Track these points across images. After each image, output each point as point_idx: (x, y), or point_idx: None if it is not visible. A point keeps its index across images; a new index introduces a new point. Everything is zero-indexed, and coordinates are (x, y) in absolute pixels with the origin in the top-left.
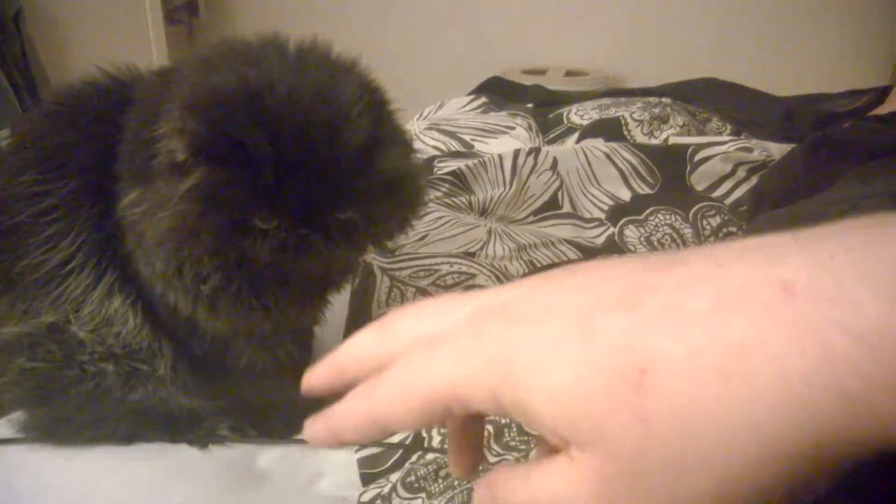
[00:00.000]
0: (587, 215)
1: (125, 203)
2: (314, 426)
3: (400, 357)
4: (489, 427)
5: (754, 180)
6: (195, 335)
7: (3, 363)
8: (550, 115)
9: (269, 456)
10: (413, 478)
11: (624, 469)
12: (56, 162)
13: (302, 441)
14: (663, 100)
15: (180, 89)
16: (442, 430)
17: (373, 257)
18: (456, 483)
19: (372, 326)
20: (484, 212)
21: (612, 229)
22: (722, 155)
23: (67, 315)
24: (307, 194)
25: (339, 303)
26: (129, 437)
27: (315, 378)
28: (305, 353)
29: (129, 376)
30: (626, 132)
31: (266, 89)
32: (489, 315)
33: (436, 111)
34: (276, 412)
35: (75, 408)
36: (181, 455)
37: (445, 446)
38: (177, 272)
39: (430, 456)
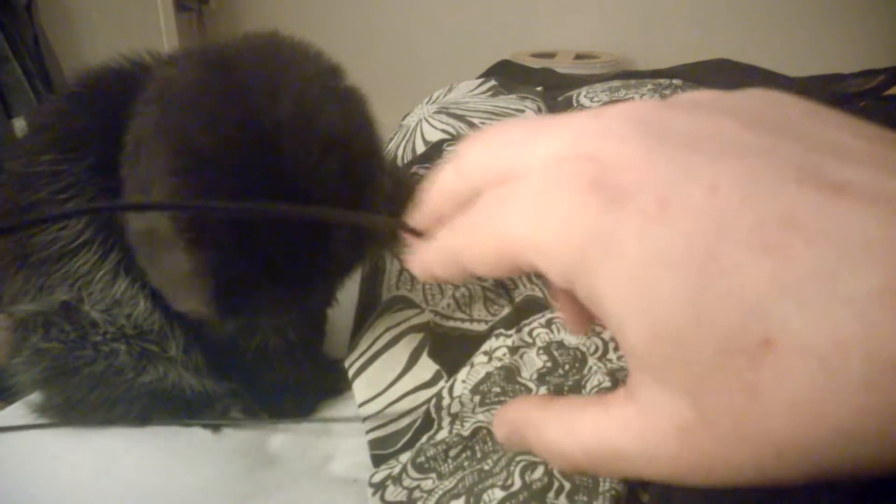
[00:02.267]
0: None
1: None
2: (411, 263)
3: (478, 197)
4: (499, 407)
5: None
6: (202, 322)
7: (18, 342)
8: (560, 98)
9: (281, 438)
10: (423, 458)
11: (714, 433)
12: (75, 142)
13: (315, 420)
14: (674, 81)
15: (168, 162)
16: (452, 411)
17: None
18: (466, 464)
19: (450, 160)
20: None
21: None
22: None
23: (79, 293)
24: (301, 270)
25: (350, 286)
26: (141, 419)
27: (420, 223)
28: (318, 335)
29: (140, 357)
30: None
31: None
32: (580, 175)
33: (445, 95)
34: (289, 393)
35: (88, 388)
36: (193, 437)
37: (454, 433)
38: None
39: (440, 436)
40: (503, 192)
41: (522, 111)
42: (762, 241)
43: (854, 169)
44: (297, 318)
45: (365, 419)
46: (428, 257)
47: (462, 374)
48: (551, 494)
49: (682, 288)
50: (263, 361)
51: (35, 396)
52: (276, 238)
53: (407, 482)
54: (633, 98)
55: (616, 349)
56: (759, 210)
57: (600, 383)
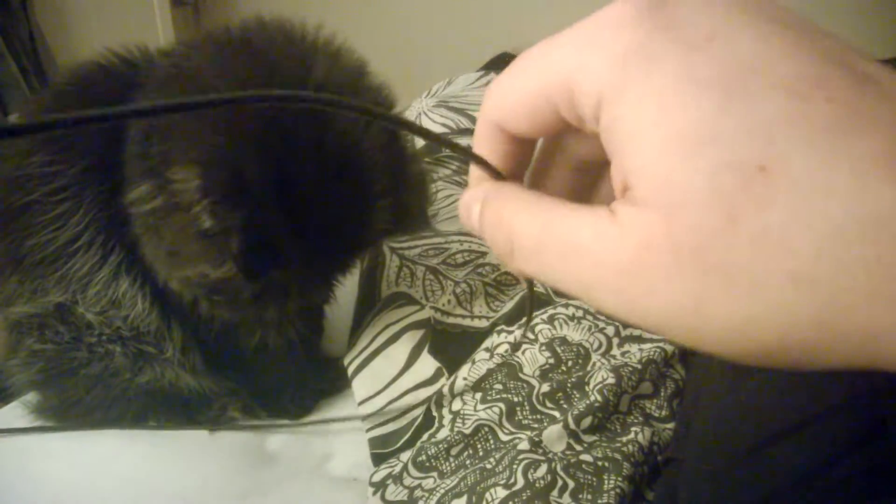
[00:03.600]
0: None
1: (133, 196)
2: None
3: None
4: (501, 405)
5: None
6: (202, 320)
7: (13, 344)
8: None
9: (280, 437)
10: (424, 457)
11: (674, 254)
12: (66, 143)
13: (314, 422)
14: None
15: (196, 129)
16: (453, 409)
17: None
18: (468, 462)
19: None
20: None
21: None
22: None
23: (75, 295)
24: (337, 236)
25: (349, 283)
26: (138, 419)
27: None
28: (316, 333)
29: (136, 358)
30: None
31: (290, 153)
32: (634, 4)
33: (444, 88)
34: (287, 392)
35: (85, 389)
36: (192, 436)
37: (455, 431)
38: (186, 284)
39: (441, 434)
40: (542, 44)
41: None
42: (791, 87)
43: (876, 70)
44: (297, 316)
45: (364, 418)
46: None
47: (463, 370)
48: (555, 493)
49: (704, 104)
50: (262, 361)
51: (31, 396)
52: (304, 192)
53: (408, 481)
54: None
55: (620, 345)
56: (797, 67)
57: (604, 380)
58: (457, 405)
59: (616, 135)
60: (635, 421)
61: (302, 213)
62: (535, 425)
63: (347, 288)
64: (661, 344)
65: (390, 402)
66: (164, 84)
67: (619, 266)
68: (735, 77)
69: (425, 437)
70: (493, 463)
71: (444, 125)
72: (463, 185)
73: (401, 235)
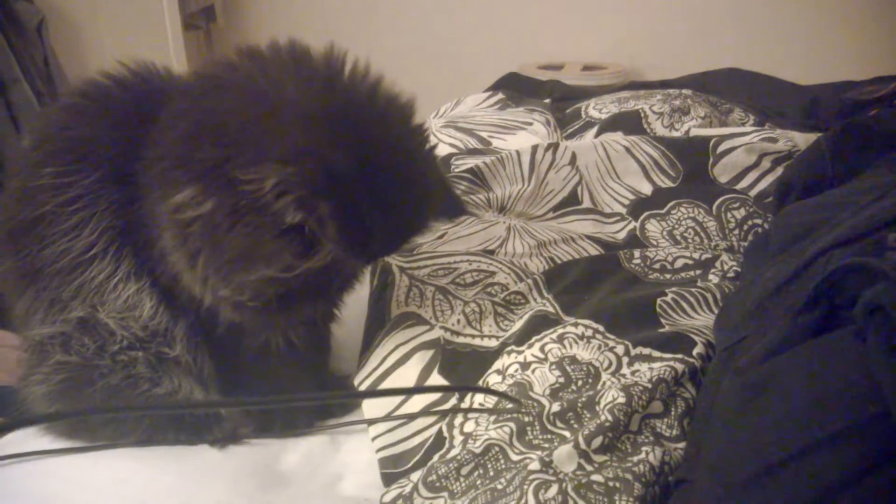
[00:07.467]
0: (608, 210)
1: (177, 200)
2: None
3: None
4: (511, 424)
5: (780, 171)
6: (207, 320)
7: (35, 363)
8: (568, 110)
9: (292, 457)
10: (434, 477)
11: None
12: (78, 154)
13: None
14: (683, 91)
15: (261, 131)
16: (465, 430)
17: (392, 256)
18: (478, 482)
19: None
20: (503, 209)
21: (633, 224)
22: (746, 146)
23: (94, 304)
24: (395, 238)
25: (359, 303)
26: (149, 436)
27: None
28: (324, 352)
29: (156, 366)
30: (645, 125)
31: (375, 165)
32: None
33: (452, 108)
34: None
35: (100, 402)
36: (203, 457)
37: (466, 450)
38: (237, 293)
39: (451, 454)
40: None
41: (531, 124)
42: None
43: None
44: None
45: (374, 438)
46: None
47: (479, 396)
48: None
49: None
50: (263, 365)
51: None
52: (381, 177)
53: (418, 501)
54: (641, 108)
55: (630, 364)
56: None
57: (614, 399)
58: (469, 427)
59: None
60: (646, 440)
61: (383, 196)
62: (546, 445)
63: (357, 309)
64: (671, 363)
65: (401, 424)
66: (203, 94)
67: None
68: None
69: (436, 457)
70: (504, 483)
71: (452, 145)
72: (472, 204)
73: (448, 218)
